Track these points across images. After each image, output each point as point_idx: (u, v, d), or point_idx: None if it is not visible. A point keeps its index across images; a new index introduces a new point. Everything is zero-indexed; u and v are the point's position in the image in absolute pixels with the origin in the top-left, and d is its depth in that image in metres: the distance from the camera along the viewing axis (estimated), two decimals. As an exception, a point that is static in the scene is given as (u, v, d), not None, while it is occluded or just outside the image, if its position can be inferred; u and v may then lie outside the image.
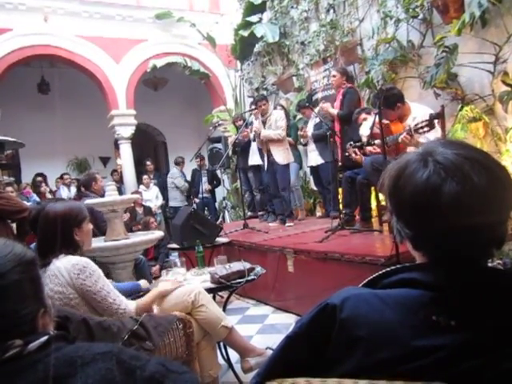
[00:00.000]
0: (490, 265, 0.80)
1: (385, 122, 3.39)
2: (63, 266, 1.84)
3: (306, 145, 5.85)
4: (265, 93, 7.35)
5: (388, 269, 0.78)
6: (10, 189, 5.35)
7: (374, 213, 4.44)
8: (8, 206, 2.79)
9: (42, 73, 9.16)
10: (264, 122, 5.23)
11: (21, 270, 0.75)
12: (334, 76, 5.12)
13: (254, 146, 5.90)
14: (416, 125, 2.95)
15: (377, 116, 3.15)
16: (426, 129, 2.89)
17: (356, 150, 4.01)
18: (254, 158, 5.96)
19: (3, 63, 6.94)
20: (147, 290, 2.65)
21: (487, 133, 4.01)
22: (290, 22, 7.11)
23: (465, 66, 4.13)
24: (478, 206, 0.68)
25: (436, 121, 2.92)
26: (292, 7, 6.97)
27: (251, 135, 5.68)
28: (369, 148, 3.85)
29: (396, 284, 0.74)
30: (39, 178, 8.06)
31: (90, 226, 2.11)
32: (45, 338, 0.74)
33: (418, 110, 3.48)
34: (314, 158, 5.52)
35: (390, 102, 3.42)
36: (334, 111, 4.92)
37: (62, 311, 1.64)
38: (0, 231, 2.73)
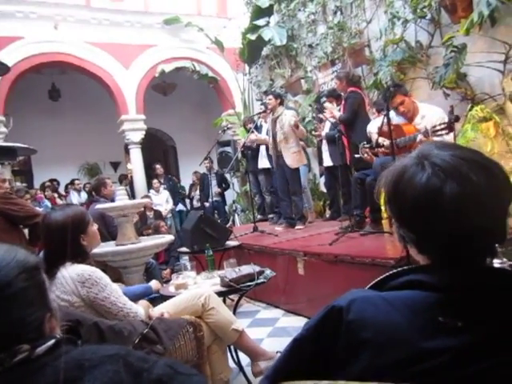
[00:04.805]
0: (498, 265, 0.79)
1: (395, 123, 3.38)
2: (69, 275, 1.83)
3: (319, 145, 5.82)
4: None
5: (394, 270, 0.78)
6: (27, 196, 5.48)
7: (385, 214, 4.41)
8: (21, 212, 2.82)
9: (52, 80, 9.29)
10: (274, 122, 5.10)
11: (25, 276, 0.74)
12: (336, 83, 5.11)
13: (263, 149, 5.91)
14: (434, 126, 2.94)
15: (385, 117, 3.14)
16: (444, 131, 2.88)
17: (367, 150, 3.99)
18: (264, 161, 5.96)
19: (15, 71, 7.03)
20: (158, 293, 2.67)
21: (498, 132, 3.96)
22: (298, 25, 7.12)
23: (474, 65, 4.09)
24: (479, 205, 0.68)
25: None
26: (299, 10, 6.98)
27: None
28: (379, 150, 3.84)
29: (402, 286, 0.74)
30: (48, 184, 8.15)
31: (95, 227, 2.09)
32: (52, 341, 0.74)
33: (427, 109, 3.46)
34: (326, 158, 5.49)
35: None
36: (337, 114, 4.90)
37: (73, 315, 1.65)
38: (13, 237, 2.76)
